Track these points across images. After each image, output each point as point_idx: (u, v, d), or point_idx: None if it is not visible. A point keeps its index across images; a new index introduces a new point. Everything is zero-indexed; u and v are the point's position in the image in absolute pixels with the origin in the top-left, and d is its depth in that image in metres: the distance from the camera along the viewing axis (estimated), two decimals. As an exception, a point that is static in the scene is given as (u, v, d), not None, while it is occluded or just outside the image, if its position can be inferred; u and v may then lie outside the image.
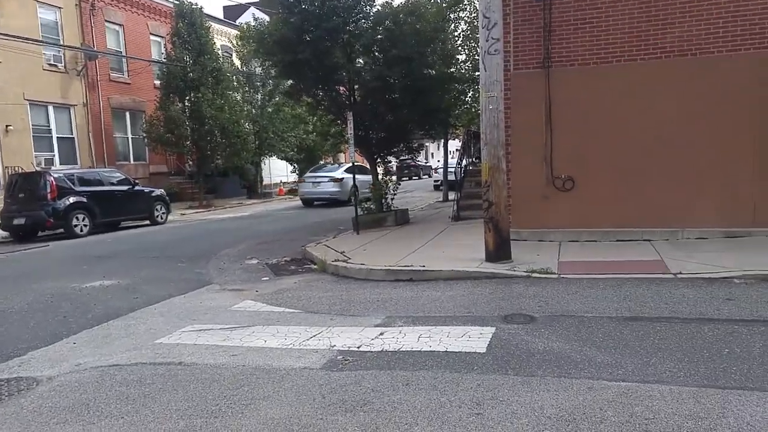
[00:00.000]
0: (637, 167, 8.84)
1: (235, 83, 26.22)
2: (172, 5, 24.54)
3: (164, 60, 23.95)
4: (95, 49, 21.97)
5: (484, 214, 7.75)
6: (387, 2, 12.99)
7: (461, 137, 21.33)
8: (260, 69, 24.89)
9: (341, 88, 13.43)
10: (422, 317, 5.61)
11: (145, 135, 23.36)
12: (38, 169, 16.92)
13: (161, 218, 17.88)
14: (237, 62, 27.83)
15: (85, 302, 7.25)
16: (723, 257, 7.19)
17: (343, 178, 20.67)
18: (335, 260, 8.58)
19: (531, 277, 6.89)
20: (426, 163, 49.53)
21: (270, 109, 27.13)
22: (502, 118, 7.53)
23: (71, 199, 14.94)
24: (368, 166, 14.73)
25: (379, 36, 12.53)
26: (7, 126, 18.78)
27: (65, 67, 21.33)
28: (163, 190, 18.86)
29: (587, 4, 8.91)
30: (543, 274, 6.94)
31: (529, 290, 6.30)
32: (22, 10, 19.46)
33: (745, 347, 4.22)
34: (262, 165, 29.43)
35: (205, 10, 24.57)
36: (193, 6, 23.54)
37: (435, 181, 30.44)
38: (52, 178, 14.83)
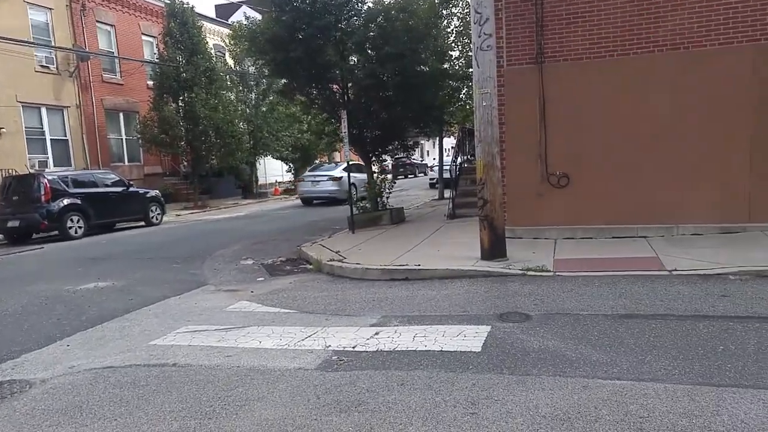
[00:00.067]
0: (631, 163, 8.82)
1: (228, 83, 26.13)
2: (163, 5, 24.41)
3: (157, 60, 23.83)
4: (87, 50, 21.84)
5: (479, 212, 7.74)
6: (378, -1, 12.98)
7: (456, 135, 21.31)
8: (253, 68, 24.77)
9: (335, 86, 13.41)
10: (417, 316, 5.60)
11: (139, 136, 23.25)
12: (32, 171, 16.85)
13: (156, 219, 17.83)
14: (230, 61, 27.76)
15: (79, 304, 7.21)
16: (718, 253, 7.19)
17: (342, 177, 20.64)
18: (330, 260, 8.56)
19: (526, 275, 6.88)
20: (421, 161, 49.44)
21: (264, 109, 27.08)
22: (495, 114, 7.51)
23: (65, 201, 14.87)
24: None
25: (371, 33, 12.50)
26: (-1, 128, 18.70)
27: (57, 68, 21.20)
28: (157, 191, 18.79)
29: (579, -2, 8.88)
30: (538, 271, 6.93)
31: (524, 288, 6.29)
32: (13, 11, 19.31)
33: (740, 344, 4.22)
34: (257, 165, 29.35)
35: (197, 9, 24.44)
36: (184, 5, 23.40)
37: (431, 179, 30.47)
38: (45, 181, 14.77)
